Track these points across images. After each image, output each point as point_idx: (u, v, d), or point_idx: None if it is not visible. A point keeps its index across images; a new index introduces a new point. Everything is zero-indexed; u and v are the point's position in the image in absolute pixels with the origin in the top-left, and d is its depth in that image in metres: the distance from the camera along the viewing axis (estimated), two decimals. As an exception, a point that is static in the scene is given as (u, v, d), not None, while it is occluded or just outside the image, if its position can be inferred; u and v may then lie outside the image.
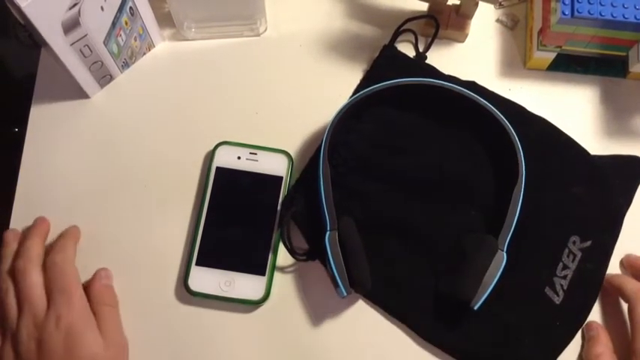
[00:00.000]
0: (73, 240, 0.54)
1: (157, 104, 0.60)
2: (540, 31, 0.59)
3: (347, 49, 0.62)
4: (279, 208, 0.55)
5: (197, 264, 0.54)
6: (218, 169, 0.56)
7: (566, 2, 0.53)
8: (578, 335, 0.53)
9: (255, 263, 0.54)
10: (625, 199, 0.57)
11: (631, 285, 0.52)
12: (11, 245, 0.52)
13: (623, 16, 0.53)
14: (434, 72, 0.60)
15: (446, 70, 0.60)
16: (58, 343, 0.47)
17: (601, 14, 0.53)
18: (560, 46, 0.58)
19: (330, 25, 0.63)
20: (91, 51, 0.55)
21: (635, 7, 0.53)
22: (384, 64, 0.61)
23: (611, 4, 0.53)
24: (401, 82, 0.56)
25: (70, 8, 0.50)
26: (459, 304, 0.51)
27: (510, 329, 0.53)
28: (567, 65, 0.61)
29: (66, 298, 0.49)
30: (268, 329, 0.53)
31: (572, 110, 0.61)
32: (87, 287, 0.52)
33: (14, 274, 0.50)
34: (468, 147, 0.57)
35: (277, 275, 0.54)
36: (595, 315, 0.54)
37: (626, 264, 0.55)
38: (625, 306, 0.53)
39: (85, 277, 0.53)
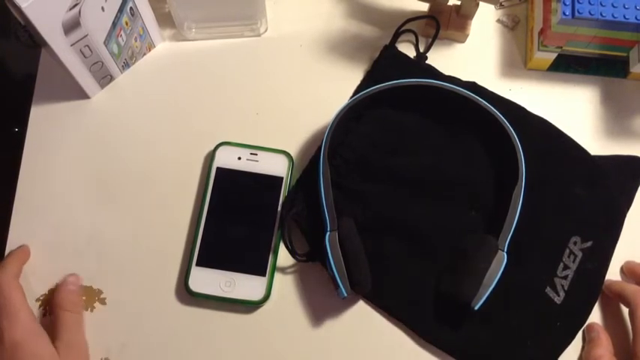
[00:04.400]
0: (17, 259, 0.53)
1: (157, 104, 0.60)
2: (541, 32, 0.59)
3: (347, 49, 0.62)
4: (279, 208, 0.55)
5: (197, 264, 0.54)
6: (218, 169, 0.56)
7: (567, 3, 0.53)
8: (579, 336, 0.53)
9: (256, 264, 0.54)
10: (625, 199, 0.57)
11: (631, 289, 0.52)
12: None
13: (624, 17, 0.53)
14: (434, 72, 0.60)
15: (446, 71, 0.60)
16: (4, 358, 0.47)
17: (602, 15, 0.53)
18: (561, 47, 0.58)
19: (331, 25, 0.63)
20: (92, 51, 0.55)
21: (635, 8, 0.53)
22: (385, 64, 0.61)
23: (612, 5, 0.53)
24: (401, 82, 0.56)
25: (71, 9, 0.50)
26: (459, 305, 0.51)
27: (511, 329, 0.53)
28: (568, 65, 0.61)
29: (7, 314, 0.49)
30: (268, 330, 0.53)
31: (573, 110, 0.61)
32: (53, 292, 0.53)
33: None
34: (469, 147, 0.57)
35: (278, 276, 0.54)
36: (596, 316, 0.54)
37: (627, 271, 0.55)
38: (626, 309, 0.53)
39: (84, 278, 0.54)
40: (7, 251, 0.55)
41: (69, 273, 0.54)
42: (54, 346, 0.49)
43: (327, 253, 0.51)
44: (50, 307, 0.53)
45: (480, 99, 0.56)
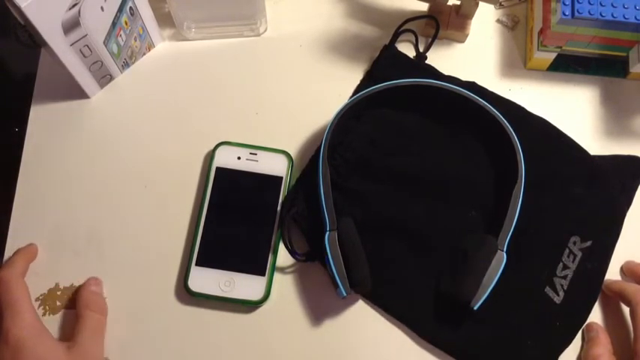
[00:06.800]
0: (24, 257, 0.53)
1: (156, 104, 0.60)
2: (541, 32, 0.59)
3: (347, 49, 0.62)
4: (279, 208, 0.55)
5: (197, 264, 0.54)
6: (218, 169, 0.56)
7: (567, 3, 0.53)
8: (579, 335, 0.53)
9: (255, 263, 0.54)
10: (625, 199, 0.57)
11: (632, 288, 0.52)
12: None
13: (624, 17, 0.53)
14: (434, 72, 0.60)
15: (446, 71, 0.60)
16: (7, 357, 0.47)
17: (601, 15, 0.53)
18: (561, 47, 0.58)
19: (331, 25, 0.63)
20: (91, 51, 0.55)
21: (635, 8, 0.53)
22: (385, 64, 0.61)
23: (612, 5, 0.53)
24: (401, 82, 0.56)
25: (70, 8, 0.50)
26: (459, 305, 0.51)
27: (510, 329, 0.53)
28: (567, 65, 0.61)
29: (12, 313, 0.49)
30: (268, 329, 0.53)
31: (572, 110, 0.61)
32: (76, 292, 0.53)
33: None
34: (468, 147, 0.57)
35: (277, 276, 0.54)
36: (595, 316, 0.54)
37: (627, 271, 0.55)
38: (625, 308, 0.53)
39: (79, 277, 0.54)
40: (6, 251, 0.55)
41: (67, 272, 0.54)
42: (68, 345, 0.49)
43: (326, 252, 0.51)
44: (75, 306, 0.52)
45: (480, 99, 0.56)
